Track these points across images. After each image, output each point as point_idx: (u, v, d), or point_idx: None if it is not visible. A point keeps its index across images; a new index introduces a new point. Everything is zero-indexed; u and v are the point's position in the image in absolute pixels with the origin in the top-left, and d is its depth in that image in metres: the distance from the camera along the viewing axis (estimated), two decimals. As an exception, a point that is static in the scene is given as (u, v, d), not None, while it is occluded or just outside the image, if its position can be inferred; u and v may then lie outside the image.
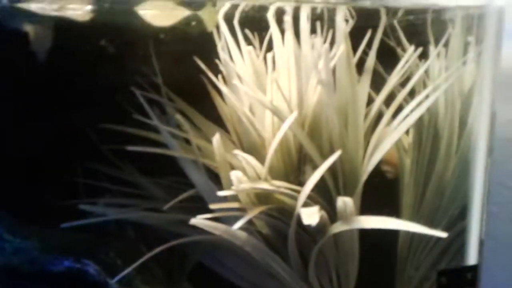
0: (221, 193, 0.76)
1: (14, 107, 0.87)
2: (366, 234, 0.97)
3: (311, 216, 0.75)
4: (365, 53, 0.94)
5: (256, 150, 0.90)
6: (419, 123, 0.97)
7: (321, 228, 0.85)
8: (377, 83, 0.98)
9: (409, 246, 1.00)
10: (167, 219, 0.87)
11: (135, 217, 0.89)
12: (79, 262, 0.86)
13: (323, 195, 0.86)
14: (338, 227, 0.83)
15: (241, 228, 0.84)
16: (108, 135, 0.92)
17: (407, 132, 1.07)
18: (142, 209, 0.90)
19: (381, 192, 1.05)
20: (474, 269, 0.73)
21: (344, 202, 0.78)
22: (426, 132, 0.96)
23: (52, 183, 0.89)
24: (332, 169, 0.87)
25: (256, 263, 0.93)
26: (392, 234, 1.05)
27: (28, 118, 0.89)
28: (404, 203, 1.03)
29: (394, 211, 1.03)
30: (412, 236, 1.00)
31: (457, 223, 0.92)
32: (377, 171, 1.11)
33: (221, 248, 0.93)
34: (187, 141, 0.90)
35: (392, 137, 0.88)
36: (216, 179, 0.88)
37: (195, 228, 0.85)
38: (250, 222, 0.89)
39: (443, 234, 0.74)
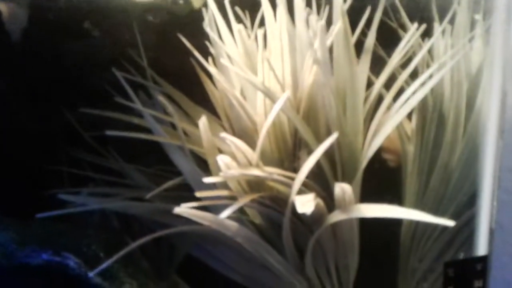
0: (207, 180, 0.70)
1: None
2: (366, 224, 0.91)
3: (306, 204, 0.69)
4: (364, 34, 0.88)
5: (248, 135, 0.84)
6: (422, 106, 0.91)
7: (317, 217, 0.79)
8: (377, 67, 0.92)
9: (413, 236, 0.95)
10: (152, 209, 0.81)
11: (118, 207, 0.84)
12: (59, 255, 0.80)
13: (320, 182, 0.80)
14: (336, 216, 0.77)
15: (232, 218, 0.78)
16: (90, 121, 0.86)
17: (409, 117, 1.01)
18: (126, 198, 0.84)
19: (382, 181, 0.99)
20: (484, 260, 0.67)
21: (343, 189, 0.72)
22: (430, 115, 0.90)
23: (30, 172, 0.84)
24: (329, 155, 0.82)
25: (249, 255, 0.87)
26: (394, 223, 0.99)
27: (2, 104, 0.83)
28: (407, 192, 0.97)
29: (396, 200, 0.97)
30: (416, 225, 0.94)
31: (465, 211, 0.86)
32: (378, 159, 1.06)
33: (211, 239, 0.87)
34: (174, 127, 0.84)
35: (394, 120, 0.82)
36: (206, 167, 0.82)
37: (182, 218, 0.80)
38: (241, 211, 0.84)
39: (450, 223, 0.68)
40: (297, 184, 0.73)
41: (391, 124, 0.82)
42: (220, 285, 0.93)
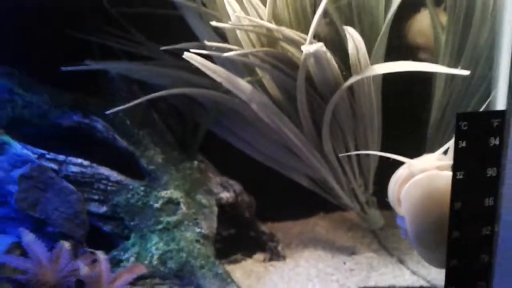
0: (214, 24, 0.71)
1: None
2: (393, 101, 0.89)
3: (311, 46, 0.68)
4: None
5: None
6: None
7: (332, 82, 0.78)
8: None
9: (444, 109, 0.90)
10: (172, 75, 0.84)
11: (135, 72, 0.86)
12: (88, 117, 0.86)
13: (339, 51, 0.79)
14: (350, 79, 0.76)
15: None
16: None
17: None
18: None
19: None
20: (501, 114, 0.63)
21: (354, 41, 0.70)
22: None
23: (64, 43, 0.89)
24: (347, 19, 0.80)
25: (272, 135, 0.88)
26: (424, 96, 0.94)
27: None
28: (438, 78, 0.93)
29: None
30: (449, 96, 0.89)
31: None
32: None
33: (234, 117, 0.89)
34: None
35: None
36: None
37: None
38: (257, 83, 0.84)
39: (465, 72, 0.65)
40: (308, 37, 0.71)
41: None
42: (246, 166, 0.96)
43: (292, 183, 0.97)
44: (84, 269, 0.64)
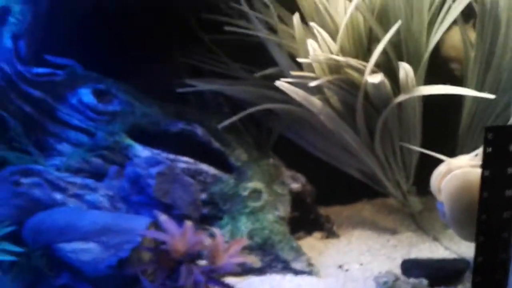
0: (300, 60, 0.93)
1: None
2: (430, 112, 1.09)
3: (374, 77, 0.90)
4: None
5: (331, 36, 1.05)
6: (482, 12, 1.05)
7: (385, 98, 1.00)
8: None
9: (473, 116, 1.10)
10: (254, 92, 1.07)
11: (228, 90, 1.09)
12: (190, 125, 1.10)
13: (389, 72, 1.00)
14: (400, 97, 0.98)
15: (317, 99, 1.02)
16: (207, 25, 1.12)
17: (474, 25, 1.15)
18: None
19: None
20: (520, 127, 0.83)
21: (406, 71, 0.92)
22: (488, 19, 1.04)
23: (167, 63, 1.12)
24: (397, 49, 1.02)
25: (333, 138, 1.10)
26: (456, 112, 1.15)
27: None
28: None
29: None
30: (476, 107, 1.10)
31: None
32: (445, 69, 1.21)
33: (302, 124, 1.11)
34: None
35: (451, 15, 0.99)
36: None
37: (277, 102, 1.05)
38: (325, 99, 1.06)
39: (491, 96, 0.86)
40: (368, 67, 0.94)
41: (449, 19, 0.99)
42: (307, 162, 1.18)
43: (340, 176, 1.17)
44: (207, 240, 0.87)
